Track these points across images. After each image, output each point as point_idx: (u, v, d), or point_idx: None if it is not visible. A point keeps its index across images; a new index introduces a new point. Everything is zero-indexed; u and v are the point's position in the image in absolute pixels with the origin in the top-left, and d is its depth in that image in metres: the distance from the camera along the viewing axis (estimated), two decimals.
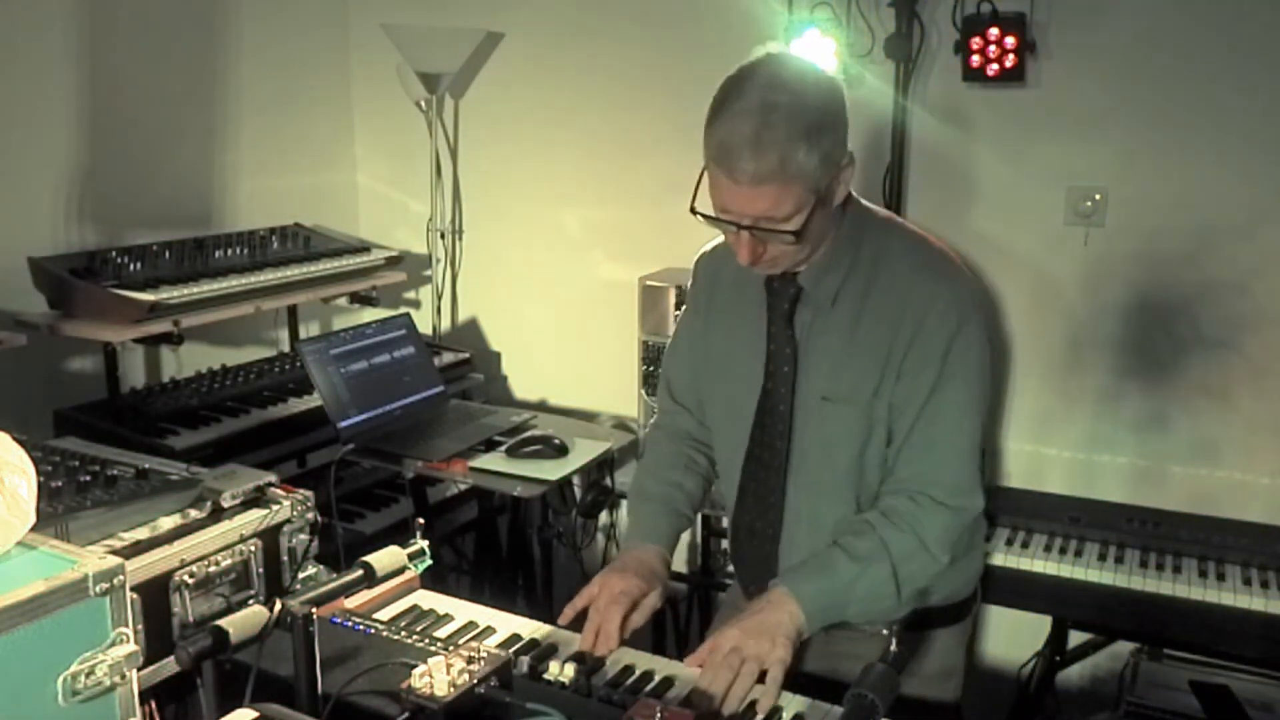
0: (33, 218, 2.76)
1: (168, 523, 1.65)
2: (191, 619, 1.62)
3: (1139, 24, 2.59)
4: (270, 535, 1.76)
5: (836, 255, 1.63)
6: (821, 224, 1.55)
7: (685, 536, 2.00)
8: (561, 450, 2.65)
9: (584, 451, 2.69)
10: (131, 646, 1.22)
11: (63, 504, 1.56)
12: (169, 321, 2.57)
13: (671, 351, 1.96)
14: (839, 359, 1.64)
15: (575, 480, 2.87)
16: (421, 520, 1.67)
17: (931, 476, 1.63)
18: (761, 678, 1.47)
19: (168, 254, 2.80)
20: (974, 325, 1.63)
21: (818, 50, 2.76)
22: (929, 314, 1.59)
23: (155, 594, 1.57)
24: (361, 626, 1.57)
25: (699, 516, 2.91)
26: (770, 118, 1.43)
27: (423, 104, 3.43)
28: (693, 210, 1.56)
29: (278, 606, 1.35)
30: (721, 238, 1.76)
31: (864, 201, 1.69)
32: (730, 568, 3.15)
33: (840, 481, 1.68)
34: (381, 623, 1.60)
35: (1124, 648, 2.69)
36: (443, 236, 3.60)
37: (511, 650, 1.54)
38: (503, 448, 2.68)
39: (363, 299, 3.24)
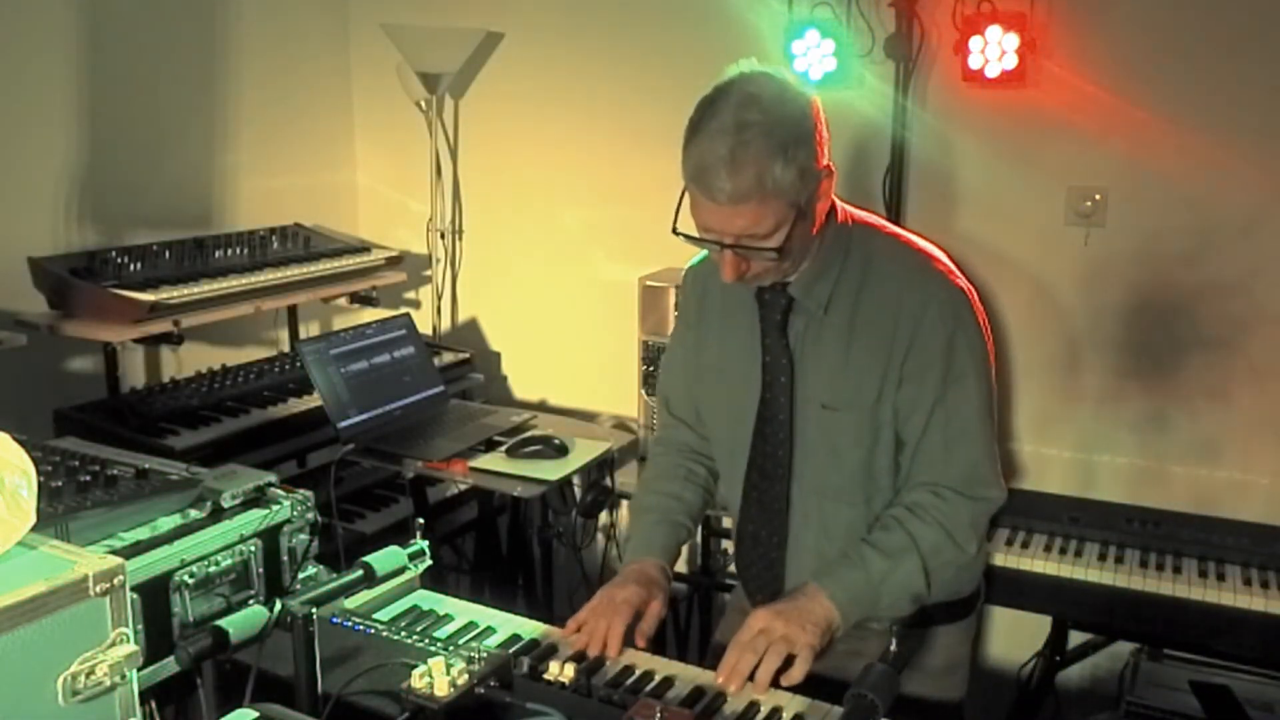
0: (33, 218, 2.76)
1: (168, 523, 1.64)
2: (191, 619, 1.62)
3: (1139, 24, 2.59)
4: (270, 535, 1.75)
5: (825, 263, 1.63)
6: (803, 238, 1.56)
7: None
8: (561, 450, 2.65)
9: (584, 451, 2.69)
10: (131, 646, 1.22)
11: (63, 504, 1.55)
12: (169, 321, 2.57)
13: (666, 366, 1.98)
14: (836, 367, 1.65)
15: (575, 480, 2.86)
16: (421, 520, 1.67)
17: (953, 474, 1.64)
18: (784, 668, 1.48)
19: (168, 254, 2.80)
20: (971, 322, 1.64)
21: (817, 50, 2.76)
22: (925, 316, 1.60)
23: (155, 594, 1.57)
24: (361, 626, 1.57)
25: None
26: (744, 135, 1.44)
27: (423, 104, 3.43)
28: (675, 231, 1.56)
29: (278, 606, 1.35)
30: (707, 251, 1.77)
31: (848, 207, 1.69)
32: (732, 568, 3.16)
33: (849, 486, 1.69)
34: (381, 623, 1.60)
35: (1124, 648, 2.69)
36: (443, 236, 3.60)
37: (511, 650, 1.54)
38: (503, 448, 2.68)
39: (363, 299, 3.24)
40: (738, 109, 1.46)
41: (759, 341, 1.70)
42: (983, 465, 1.66)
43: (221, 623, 1.33)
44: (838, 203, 1.66)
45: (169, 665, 1.52)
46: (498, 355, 3.67)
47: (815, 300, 1.64)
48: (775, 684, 1.48)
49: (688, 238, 1.56)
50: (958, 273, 1.67)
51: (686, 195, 1.54)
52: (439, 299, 3.62)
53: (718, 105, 1.49)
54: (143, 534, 1.60)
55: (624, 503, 3.18)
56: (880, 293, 1.63)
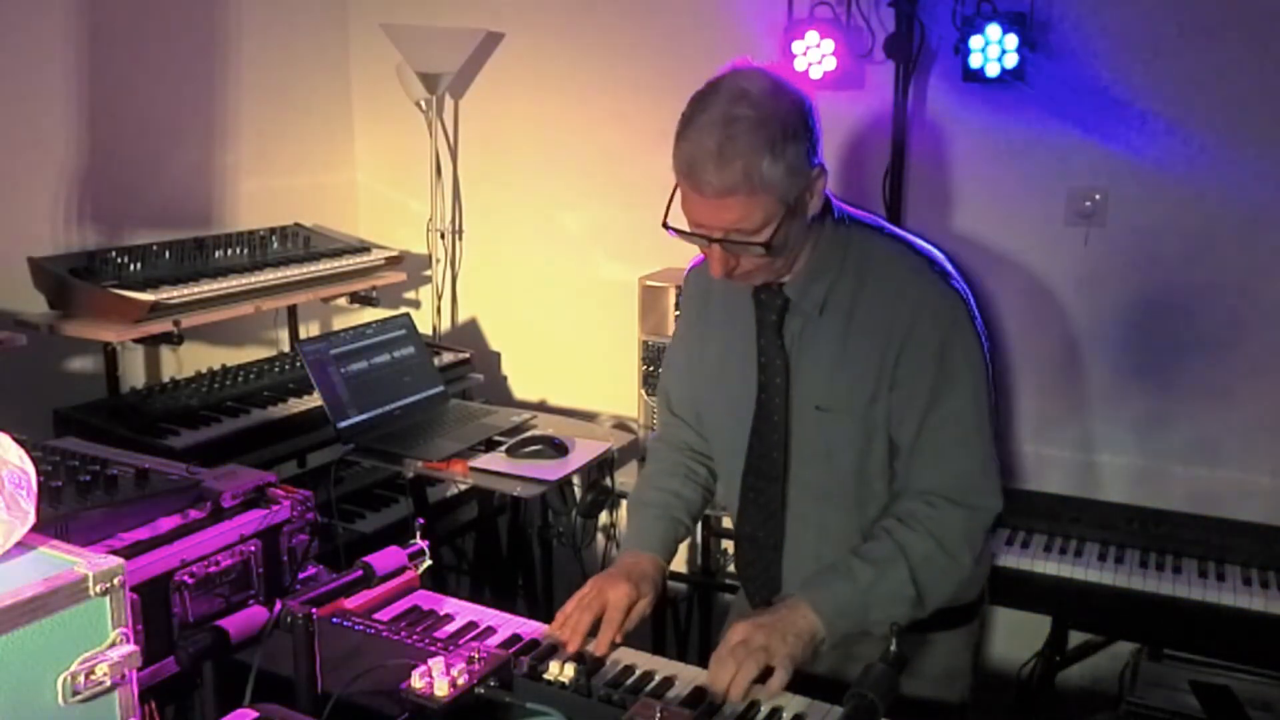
0: (33, 218, 2.76)
1: (168, 523, 1.64)
2: (191, 619, 1.62)
3: (1139, 24, 2.59)
4: (270, 535, 1.75)
5: (821, 263, 1.63)
6: (794, 236, 1.55)
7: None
8: (561, 450, 2.65)
9: (584, 451, 2.69)
10: (131, 647, 1.22)
11: (63, 504, 1.55)
12: (169, 321, 2.57)
13: (667, 365, 1.98)
14: (831, 368, 1.64)
15: (575, 480, 2.87)
16: (421, 520, 1.67)
17: (946, 482, 1.62)
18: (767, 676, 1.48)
19: (168, 254, 2.80)
20: (967, 326, 1.62)
21: (817, 50, 2.76)
22: (919, 319, 1.59)
23: (155, 594, 1.57)
24: (361, 626, 1.57)
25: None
26: (732, 130, 1.45)
27: (423, 104, 3.43)
28: (665, 225, 1.57)
29: (278, 606, 1.35)
30: None
31: (846, 207, 1.68)
32: (732, 568, 3.17)
33: (843, 489, 1.68)
34: (381, 623, 1.60)
35: (1124, 648, 2.69)
36: (443, 236, 3.60)
37: (511, 650, 1.54)
38: (503, 448, 2.68)
39: (363, 299, 3.24)
40: (727, 104, 1.47)
41: (756, 343, 1.70)
42: (977, 473, 1.63)
43: (221, 623, 1.33)
44: (835, 202, 1.65)
45: (169, 665, 1.52)
46: (498, 355, 3.67)
47: (811, 301, 1.63)
48: None
49: (678, 232, 1.56)
50: (956, 275, 1.66)
51: (678, 191, 1.54)
52: (439, 299, 3.62)
53: (708, 100, 1.49)
54: (143, 534, 1.60)
55: (624, 503, 3.18)
56: (876, 294, 1.61)
